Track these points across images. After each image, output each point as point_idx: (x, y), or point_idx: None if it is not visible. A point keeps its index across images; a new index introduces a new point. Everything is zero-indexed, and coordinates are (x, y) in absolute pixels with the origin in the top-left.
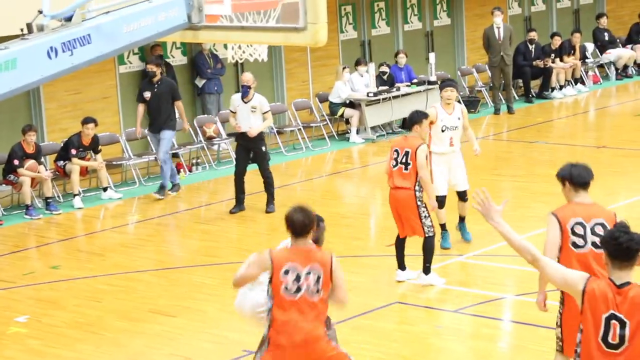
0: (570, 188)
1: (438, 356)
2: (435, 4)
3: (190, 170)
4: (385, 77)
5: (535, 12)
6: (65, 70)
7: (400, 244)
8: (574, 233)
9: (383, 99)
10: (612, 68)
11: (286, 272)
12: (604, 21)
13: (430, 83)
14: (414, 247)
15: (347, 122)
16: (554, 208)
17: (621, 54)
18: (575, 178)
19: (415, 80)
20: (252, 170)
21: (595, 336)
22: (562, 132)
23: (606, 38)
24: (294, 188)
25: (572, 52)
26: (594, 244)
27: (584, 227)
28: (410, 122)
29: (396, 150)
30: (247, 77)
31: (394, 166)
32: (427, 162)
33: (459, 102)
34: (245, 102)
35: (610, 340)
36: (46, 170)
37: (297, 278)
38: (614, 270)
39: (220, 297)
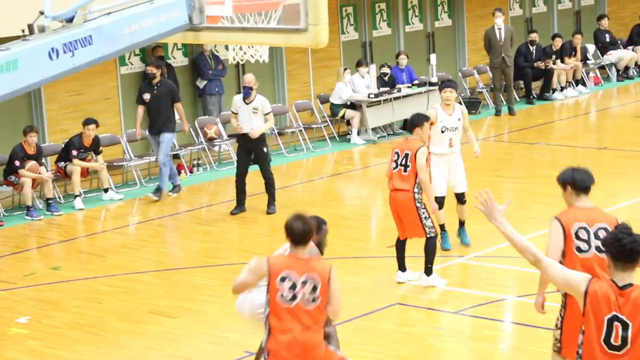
0: (571, 192)
1: (438, 357)
2: (436, 5)
3: (191, 172)
4: (386, 78)
5: (537, 14)
6: (67, 71)
7: (400, 245)
8: (578, 238)
9: (384, 100)
10: (613, 69)
11: (282, 279)
12: (605, 22)
13: (431, 84)
14: (414, 248)
15: (348, 123)
16: (555, 209)
17: (622, 56)
18: (578, 183)
19: (416, 82)
20: (253, 171)
21: (597, 338)
22: (563, 134)
23: (607, 39)
24: (294, 189)
25: (573, 53)
26: (597, 248)
27: (587, 231)
28: (412, 124)
29: (396, 152)
30: (249, 79)
31: (394, 168)
32: (427, 164)
33: (460, 103)
34: (247, 103)
35: (612, 342)
36: (47, 171)
37: (293, 286)
38: (616, 272)
39: (221, 298)
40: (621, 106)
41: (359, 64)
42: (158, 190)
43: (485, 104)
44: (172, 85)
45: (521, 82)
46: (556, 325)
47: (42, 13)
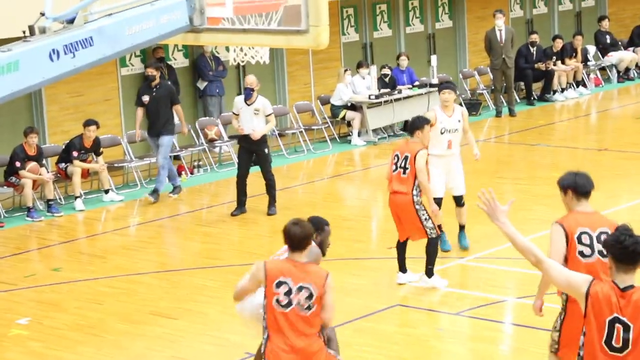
0: (572, 197)
1: (439, 359)
2: (437, 7)
3: (191, 173)
4: (386, 79)
5: (537, 15)
6: (67, 72)
7: (401, 246)
8: (580, 242)
9: (385, 102)
10: (614, 71)
11: (278, 284)
12: (605, 24)
13: (432, 86)
14: (415, 249)
15: (349, 124)
16: (555, 210)
17: (623, 57)
18: (580, 187)
19: (416, 83)
20: (253, 172)
21: (599, 339)
22: (564, 135)
23: (608, 41)
24: (295, 190)
25: (574, 54)
26: (600, 252)
27: (590, 236)
28: (412, 127)
29: (396, 155)
30: (251, 80)
31: (394, 170)
32: (426, 167)
33: (460, 104)
34: (249, 105)
35: (614, 343)
36: (48, 172)
37: (289, 292)
38: (618, 274)
39: (222, 299)
40: (622, 107)
41: (359, 65)
42: (155, 192)
43: (486, 105)
44: (171, 87)
45: (522, 83)
46: (555, 327)
47: (43, 14)
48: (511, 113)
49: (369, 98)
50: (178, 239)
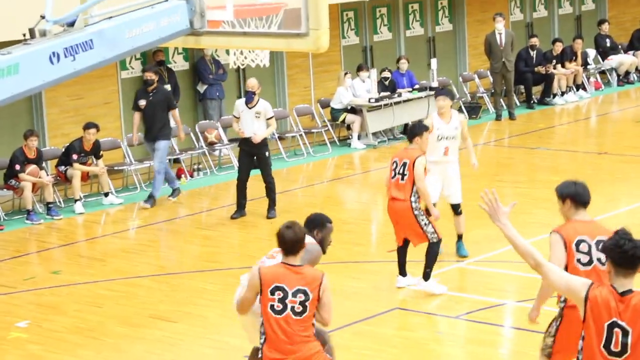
0: (571, 206)
1: None
2: (437, 10)
3: (191, 176)
4: (386, 82)
5: (537, 18)
6: (68, 75)
7: (401, 250)
8: (579, 251)
9: (384, 105)
10: (614, 74)
11: (273, 291)
12: (605, 27)
13: (432, 89)
14: (415, 253)
15: (349, 127)
16: (555, 214)
17: (623, 60)
18: (580, 197)
19: (416, 86)
20: (253, 175)
21: (597, 344)
22: (564, 139)
23: (608, 44)
24: (295, 194)
25: (574, 58)
26: (599, 260)
27: (588, 244)
28: (411, 134)
29: (395, 162)
30: (252, 83)
31: (393, 177)
32: (425, 173)
33: (460, 109)
34: (250, 108)
35: (612, 348)
36: (47, 175)
37: (284, 297)
38: (617, 278)
39: (221, 302)
40: (621, 111)
41: (359, 69)
42: (151, 198)
43: (486, 109)
44: (168, 92)
45: (522, 86)
46: (549, 332)
47: (43, 17)
48: (511, 116)
49: (369, 101)
50: (178, 242)
